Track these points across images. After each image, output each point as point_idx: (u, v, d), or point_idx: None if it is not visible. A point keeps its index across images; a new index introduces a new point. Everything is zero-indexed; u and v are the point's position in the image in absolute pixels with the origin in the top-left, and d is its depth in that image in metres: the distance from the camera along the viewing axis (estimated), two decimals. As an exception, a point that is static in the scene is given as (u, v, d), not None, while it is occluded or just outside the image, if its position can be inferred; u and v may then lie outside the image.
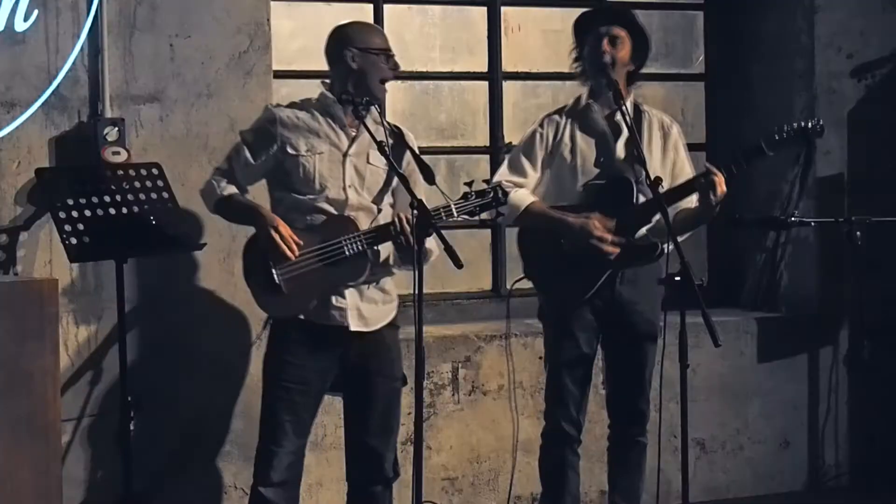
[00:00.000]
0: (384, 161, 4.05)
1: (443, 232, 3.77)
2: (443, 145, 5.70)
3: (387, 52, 4.14)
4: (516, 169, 4.48)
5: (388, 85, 4.53)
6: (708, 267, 6.04)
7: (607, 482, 4.65)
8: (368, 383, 4.16)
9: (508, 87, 5.76)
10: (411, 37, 5.67)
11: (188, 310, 4.82)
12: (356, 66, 4.10)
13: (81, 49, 4.67)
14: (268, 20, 4.94)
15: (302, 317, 4.07)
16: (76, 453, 4.68)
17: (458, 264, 3.73)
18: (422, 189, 4.01)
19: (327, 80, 4.19)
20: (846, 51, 5.73)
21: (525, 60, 5.77)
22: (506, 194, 4.05)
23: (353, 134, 4.12)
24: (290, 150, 4.07)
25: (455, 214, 3.97)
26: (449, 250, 3.74)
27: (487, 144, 5.73)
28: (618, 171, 4.38)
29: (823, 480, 5.76)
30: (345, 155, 4.10)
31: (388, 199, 4.17)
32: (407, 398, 4.91)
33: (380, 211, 4.14)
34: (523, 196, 4.42)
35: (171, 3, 4.79)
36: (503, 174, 4.46)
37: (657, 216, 4.28)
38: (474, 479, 5.29)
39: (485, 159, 5.70)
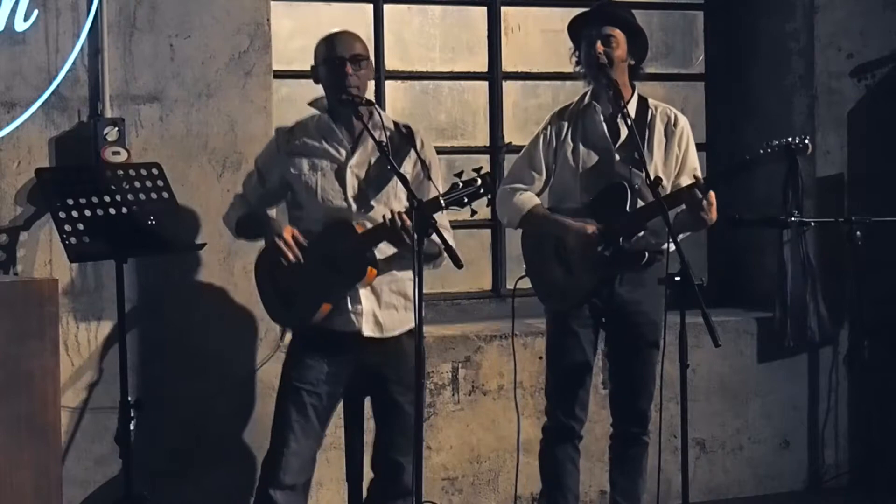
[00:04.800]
0: (388, 166, 4.07)
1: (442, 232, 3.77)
2: (443, 145, 5.69)
3: (341, 59, 4.06)
4: (522, 173, 4.49)
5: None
6: (708, 267, 6.04)
7: (609, 481, 4.64)
8: (385, 392, 4.16)
9: (508, 87, 5.76)
10: (411, 37, 5.66)
11: (188, 310, 4.82)
12: (322, 82, 4.15)
13: (81, 49, 4.67)
14: (268, 20, 4.94)
15: (322, 323, 4.07)
16: (76, 453, 4.68)
17: (458, 264, 3.73)
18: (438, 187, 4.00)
19: (321, 99, 4.21)
20: (846, 51, 5.72)
21: (525, 60, 5.77)
22: (494, 181, 4.05)
23: (351, 146, 4.13)
24: (293, 171, 4.14)
25: (444, 205, 3.95)
26: (449, 250, 3.74)
27: (487, 144, 5.72)
28: (616, 175, 4.38)
29: (823, 480, 5.76)
30: (345, 166, 4.12)
31: (396, 202, 4.12)
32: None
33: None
34: (526, 199, 4.43)
35: (171, 3, 4.79)
36: (509, 179, 4.50)
37: (650, 222, 4.30)
38: (474, 479, 5.29)
39: (485, 159, 5.69)
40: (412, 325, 4.14)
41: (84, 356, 4.74)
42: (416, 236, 3.75)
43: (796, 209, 5.44)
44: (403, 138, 4.12)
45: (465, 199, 3.89)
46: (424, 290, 3.76)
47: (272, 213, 4.31)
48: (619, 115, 4.38)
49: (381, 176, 4.12)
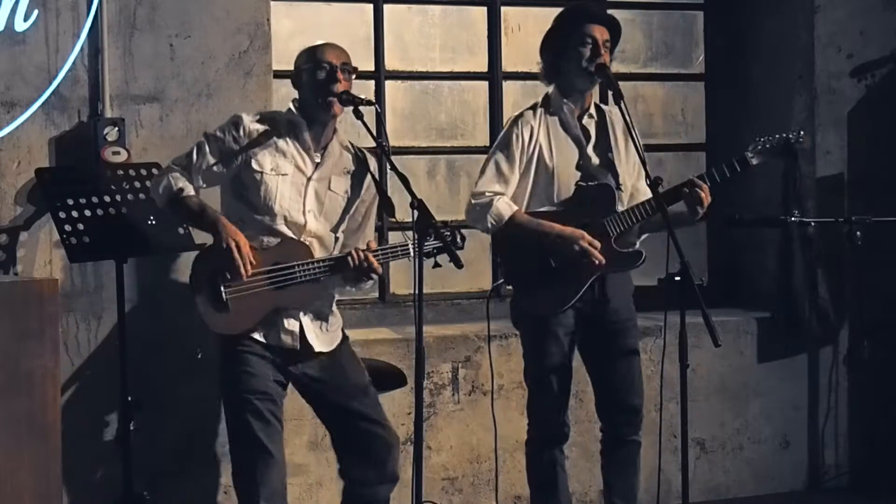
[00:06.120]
0: (344, 188, 4.09)
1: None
2: (443, 145, 5.70)
3: (332, 66, 4.02)
4: (499, 176, 4.36)
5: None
6: (708, 267, 6.04)
7: (603, 483, 4.61)
8: (333, 399, 4.13)
9: (508, 87, 5.76)
10: (411, 37, 5.66)
11: (188, 310, 4.80)
12: (304, 86, 4.09)
13: (81, 49, 4.67)
14: (268, 20, 4.94)
15: (256, 336, 4.01)
16: (76, 453, 4.68)
17: (459, 264, 3.72)
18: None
19: (296, 99, 4.14)
20: (846, 51, 5.72)
21: (525, 60, 5.76)
22: (464, 239, 4.12)
23: (318, 160, 4.07)
24: (254, 166, 3.99)
25: (411, 254, 3.95)
26: (450, 251, 3.73)
27: (487, 144, 5.71)
28: (594, 177, 4.36)
29: (823, 480, 5.76)
30: (308, 179, 4.04)
31: (343, 226, 4.14)
32: (407, 398, 4.92)
33: (337, 239, 4.12)
34: (506, 206, 4.32)
35: (171, 3, 4.79)
36: (487, 184, 4.35)
37: (637, 224, 4.31)
38: (474, 479, 5.29)
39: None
40: (341, 336, 4.19)
41: (84, 356, 4.74)
42: (415, 236, 3.76)
43: (796, 206, 5.44)
44: (358, 161, 4.11)
45: (434, 252, 3.92)
46: (425, 291, 3.76)
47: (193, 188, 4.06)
48: (587, 116, 4.39)
49: (336, 198, 4.10)
